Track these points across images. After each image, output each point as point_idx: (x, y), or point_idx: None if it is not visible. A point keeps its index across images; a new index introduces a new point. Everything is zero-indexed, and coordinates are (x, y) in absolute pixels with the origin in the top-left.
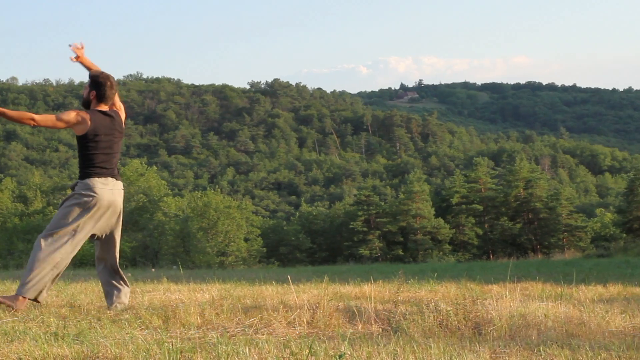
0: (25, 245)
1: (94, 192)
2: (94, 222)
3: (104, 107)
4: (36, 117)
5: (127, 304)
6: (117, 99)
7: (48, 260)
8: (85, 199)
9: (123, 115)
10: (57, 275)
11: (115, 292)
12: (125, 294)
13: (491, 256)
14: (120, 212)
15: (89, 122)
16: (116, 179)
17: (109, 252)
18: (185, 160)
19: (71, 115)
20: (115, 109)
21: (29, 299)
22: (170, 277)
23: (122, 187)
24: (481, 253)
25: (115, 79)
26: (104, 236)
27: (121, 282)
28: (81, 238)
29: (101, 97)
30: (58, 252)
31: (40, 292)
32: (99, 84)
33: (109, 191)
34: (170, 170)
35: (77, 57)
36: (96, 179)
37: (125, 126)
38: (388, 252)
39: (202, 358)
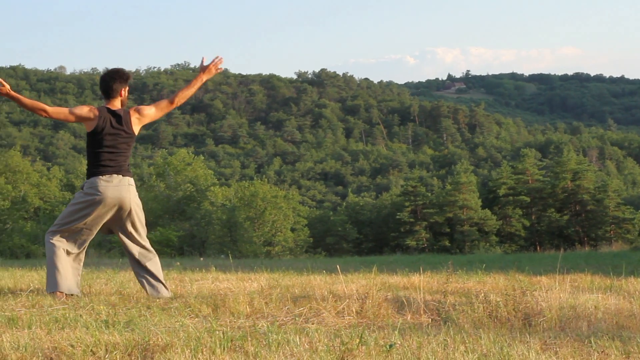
0: None
1: (98, 191)
2: (100, 218)
3: (114, 104)
4: (48, 109)
5: (166, 294)
6: (160, 108)
7: (62, 252)
8: (90, 197)
9: (140, 118)
10: (79, 268)
11: (146, 283)
12: (160, 284)
13: (538, 248)
14: (131, 207)
15: (97, 119)
16: (123, 175)
17: (128, 245)
18: (232, 150)
19: (84, 110)
20: (131, 110)
21: (64, 293)
22: (218, 266)
23: (131, 183)
24: (528, 245)
25: (162, 68)
26: (118, 231)
27: (149, 274)
28: (88, 234)
29: (104, 93)
30: (67, 246)
31: (72, 285)
32: (100, 79)
33: (114, 188)
34: (217, 159)
35: (206, 68)
36: (100, 177)
37: (134, 129)
38: (434, 243)
39: (253, 346)
